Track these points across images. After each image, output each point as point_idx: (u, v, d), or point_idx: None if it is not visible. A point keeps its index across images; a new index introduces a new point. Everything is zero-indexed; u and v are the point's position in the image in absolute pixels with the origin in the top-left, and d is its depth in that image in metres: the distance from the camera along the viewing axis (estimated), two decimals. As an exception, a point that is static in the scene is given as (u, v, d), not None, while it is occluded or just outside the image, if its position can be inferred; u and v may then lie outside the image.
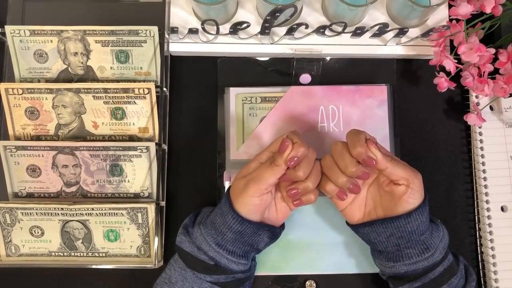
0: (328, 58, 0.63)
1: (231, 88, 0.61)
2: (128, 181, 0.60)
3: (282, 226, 0.55)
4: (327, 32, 0.59)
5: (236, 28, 0.57)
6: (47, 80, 0.61)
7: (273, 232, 0.52)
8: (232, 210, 0.49)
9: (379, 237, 0.51)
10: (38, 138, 0.61)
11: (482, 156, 0.61)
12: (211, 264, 0.50)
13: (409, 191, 0.48)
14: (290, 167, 0.49)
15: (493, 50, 0.56)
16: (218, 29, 0.57)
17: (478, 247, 0.61)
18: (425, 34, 0.58)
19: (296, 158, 0.48)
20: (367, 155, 0.47)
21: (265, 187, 0.49)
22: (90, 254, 0.59)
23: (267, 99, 0.61)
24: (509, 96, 0.59)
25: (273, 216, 0.53)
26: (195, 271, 0.50)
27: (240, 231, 0.50)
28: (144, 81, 0.61)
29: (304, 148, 0.48)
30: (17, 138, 0.61)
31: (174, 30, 0.60)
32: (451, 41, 0.61)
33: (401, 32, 0.58)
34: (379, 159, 0.48)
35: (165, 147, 0.60)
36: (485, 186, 0.60)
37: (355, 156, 0.48)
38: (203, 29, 0.58)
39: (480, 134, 0.61)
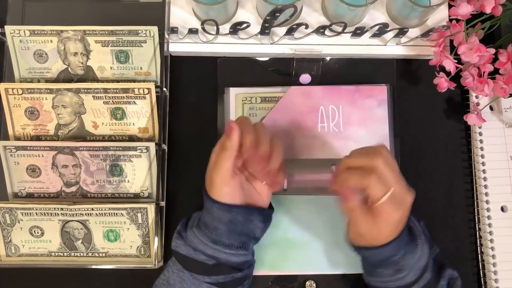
0: (328, 58, 0.63)
1: (231, 88, 0.61)
2: (128, 181, 0.60)
3: (271, 207, 0.55)
4: (327, 32, 0.59)
5: (236, 28, 0.57)
6: (47, 80, 0.61)
7: (264, 214, 0.52)
8: (214, 202, 0.49)
9: (364, 256, 0.52)
10: (38, 138, 0.61)
11: (482, 156, 0.61)
12: (209, 265, 0.50)
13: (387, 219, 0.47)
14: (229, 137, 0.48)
15: (493, 50, 0.56)
16: (218, 29, 0.57)
17: (478, 247, 0.61)
18: (425, 34, 0.58)
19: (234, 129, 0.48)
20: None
21: (226, 172, 0.48)
22: (90, 254, 0.59)
23: (267, 99, 0.61)
24: (509, 96, 0.59)
25: (257, 198, 0.53)
26: (193, 273, 0.50)
27: (231, 220, 0.49)
28: (144, 81, 0.61)
29: (237, 127, 0.48)
30: (17, 138, 0.61)
31: (174, 30, 0.60)
32: (451, 41, 0.61)
33: (401, 32, 0.58)
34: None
35: (165, 147, 0.60)
36: (485, 186, 0.60)
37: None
38: (203, 29, 0.58)
39: (480, 134, 0.61)
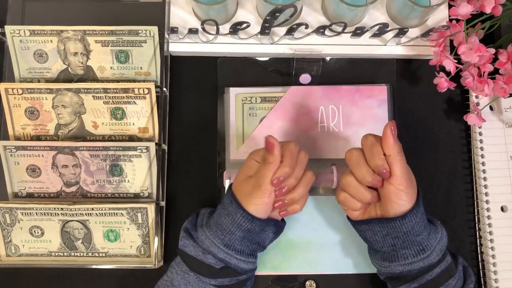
0: (328, 58, 0.63)
1: (231, 88, 0.61)
2: (128, 181, 0.60)
3: (283, 220, 0.55)
4: (327, 32, 0.59)
5: (236, 28, 0.57)
6: (47, 80, 0.61)
7: (278, 226, 0.53)
8: (241, 209, 0.49)
9: (375, 236, 0.51)
10: (38, 138, 0.61)
11: (482, 156, 0.61)
12: (216, 268, 0.50)
13: (396, 191, 0.48)
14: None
15: (493, 50, 0.56)
16: (218, 29, 0.57)
17: (478, 247, 0.61)
18: (425, 34, 0.58)
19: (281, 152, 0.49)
20: (384, 168, 0.48)
21: (267, 187, 0.49)
22: (90, 254, 0.59)
23: (267, 99, 0.61)
24: (509, 96, 0.59)
25: (274, 211, 0.53)
26: (199, 275, 0.50)
27: (249, 229, 0.50)
28: (144, 81, 0.61)
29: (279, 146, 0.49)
30: (17, 138, 0.61)
31: (174, 30, 0.60)
32: (451, 41, 0.61)
33: (401, 32, 0.58)
34: (397, 174, 0.48)
35: (165, 147, 0.60)
36: (485, 186, 0.60)
37: (373, 168, 0.48)
38: (203, 29, 0.58)
39: (480, 134, 0.61)
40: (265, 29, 0.57)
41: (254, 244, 0.52)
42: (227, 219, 0.50)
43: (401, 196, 0.48)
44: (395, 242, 0.50)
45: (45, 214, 0.58)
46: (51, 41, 0.60)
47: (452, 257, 0.53)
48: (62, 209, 0.57)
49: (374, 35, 0.60)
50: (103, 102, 0.59)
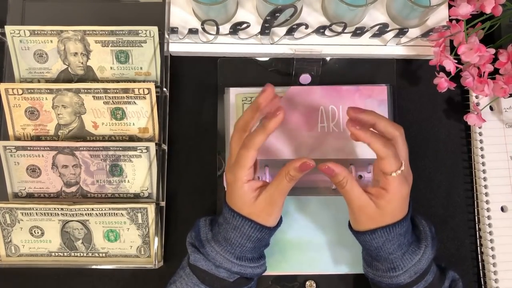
0: (328, 58, 0.63)
1: (231, 88, 0.61)
2: (128, 181, 0.60)
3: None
4: (327, 32, 0.59)
5: (236, 28, 0.57)
6: (47, 80, 0.61)
7: (279, 224, 0.54)
8: (247, 220, 0.49)
9: (359, 242, 0.53)
10: (38, 138, 0.61)
11: (482, 156, 0.61)
12: (229, 281, 0.50)
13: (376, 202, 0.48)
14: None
15: (493, 50, 0.56)
16: (218, 29, 0.57)
17: (478, 247, 0.61)
18: (425, 34, 0.58)
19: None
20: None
21: (282, 203, 0.51)
22: (90, 254, 0.59)
23: (267, 99, 0.61)
24: (509, 96, 0.59)
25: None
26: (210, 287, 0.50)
27: (260, 238, 0.50)
28: (144, 81, 0.61)
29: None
30: (17, 138, 0.61)
31: (174, 30, 0.60)
32: (451, 41, 0.61)
33: (401, 32, 0.58)
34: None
35: (165, 147, 0.60)
36: (485, 186, 0.60)
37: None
38: (203, 29, 0.58)
39: (480, 134, 0.61)
40: (265, 29, 0.57)
41: (262, 247, 0.53)
42: (234, 233, 0.50)
43: (394, 201, 0.48)
44: (370, 253, 0.52)
45: (45, 214, 0.58)
46: (51, 41, 0.60)
47: (441, 272, 0.52)
48: (62, 209, 0.57)
49: (374, 35, 0.60)
50: (103, 102, 0.59)
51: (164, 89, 0.60)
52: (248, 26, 0.57)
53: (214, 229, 0.52)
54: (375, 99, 0.61)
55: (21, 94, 0.59)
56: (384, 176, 0.47)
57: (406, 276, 0.49)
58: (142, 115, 0.60)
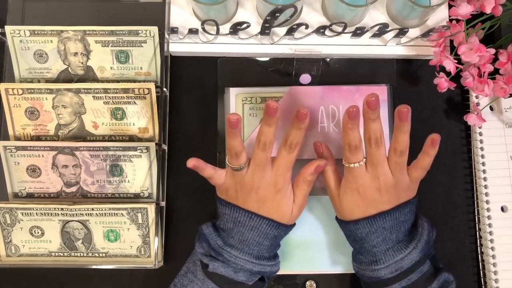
0: (328, 58, 0.63)
1: (231, 88, 0.61)
2: (128, 181, 0.60)
3: None
4: (327, 32, 0.59)
5: (236, 28, 0.57)
6: (47, 80, 0.61)
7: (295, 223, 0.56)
8: (264, 219, 0.51)
9: (344, 232, 0.55)
10: (38, 138, 0.61)
11: (482, 156, 0.61)
12: (248, 285, 0.51)
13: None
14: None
15: (493, 50, 0.56)
16: (218, 29, 0.57)
17: (478, 247, 0.61)
18: (425, 34, 0.58)
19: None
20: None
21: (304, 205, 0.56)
22: (90, 254, 0.59)
23: (267, 99, 0.61)
24: (509, 96, 0.59)
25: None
26: None
27: (276, 235, 0.52)
28: (144, 81, 0.61)
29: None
30: (17, 138, 0.61)
31: (174, 30, 0.60)
32: (451, 41, 0.61)
33: (401, 32, 0.58)
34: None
35: (165, 147, 0.60)
36: (485, 186, 0.60)
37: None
38: (203, 29, 0.58)
39: (480, 134, 0.61)
40: (265, 29, 0.57)
41: (277, 246, 0.55)
42: (251, 233, 0.51)
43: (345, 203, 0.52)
44: (354, 245, 0.54)
45: (45, 214, 0.58)
46: (51, 41, 0.60)
47: (433, 273, 0.51)
48: (62, 209, 0.57)
49: (374, 35, 0.60)
50: (103, 102, 0.59)
51: (164, 89, 0.60)
52: (248, 26, 0.57)
53: (220, 235, 0.53)
54: (375, 99, 0.61)
55: (21, 94, 0.59)
56: (346, 168, 0.52)
57: (387, 271, 0.50)
58: (142, 115, 0.60)
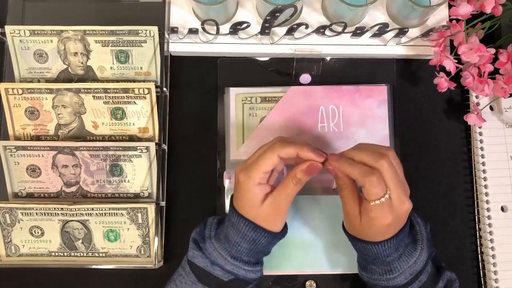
0: (328, 58, 0.63)
1: (231, 88, 0.61)
2: (128, 181, 0.60)
3: (286, 226, 0.55)
4: (327, 32, 0.59)
5: (236, 28, 0.57)
6: (47, 80, 0.61)
7: (283, 235, 0.53)
8: (241, 218, 0.49)
9: (353, 246, 0.53)
10: (38, 138, 0.61)
11: (482, 156, 0.61)
12: (224, 280, 0.50)
13: (369, 222, 0.47)
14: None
15: (493, 50, 0.56)
16: (218, 29, 0.57)
17: (478, 247, 0.61)
18: (425, 34, 0.58)
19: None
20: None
21: (288, 203, 0.50)
22: (90, 254, 0.59)
23: (267, 99, 0.61)
24: (509, 96, 0.59)
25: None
26: (206, 286, 0.50)
27: (254, 239, 0.49)
28: (144, 81, 0.61)
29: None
30: (17, 138, 0.61)
31: (174, 30, 0.60)
32: (451, 41, 0.61)
33: (401, 32, 0.58)
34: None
35: (165, 147, 0.60)
36: (485, 186, 0.60)
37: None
38: (203, 29, 0.58)
39: (480, 134, 0.61)
40: (265, 29, 0.57)
41: (260, 253, 0.52)
42: (232, 230, 0.50)
43: (374, 226, 0.47)
44: (366, 258, 0.51)
45: (45, 214, 0.58)
46: (51, 41, 0.60)
47: (436, 272, 0.51)
48: (62, 209, 0.57)
49: (374, 35, 0.60)
50: (103, 102, 0.59)
51: (164, 89, 0.60)
52: (248, 26, 0.57)
53: (219, 227, 0.53)
54: (375, 99, 0.61)
55: (21, 94, 0.59)
56: (366, 201, 0.46)
57: (402, 278, 0.49)
58: (142, 115, 0.60)
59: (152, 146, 0.58)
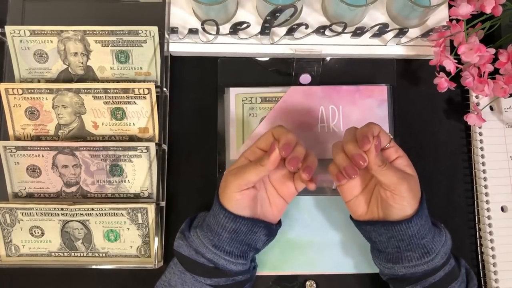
0: (328, 58, 0.63)
1: (231, 88, 0.62)
2: (128, 181, 0.60)
3: (279, 223, 0.55)
4: (327, 32, 0.59)
5: (236, 28, 0.57)
6: (47, 80, 0.61)
7: (270, 229, 0.52)
8: (223, 208, 0.49)
9: (380, 237, 0.51)
10: (38, 138, 0.61)
11: (482, 156, 0.61)
12: (210, 267, 0.50)
13: (394, 197, 0.48)
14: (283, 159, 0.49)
15: (493, 50, 0.56)
16: (218, 29, 0.57)
17: (478, 247, 0.61)
18: (425, 34, 0.58)
19: (291, 159, 0.48)
20: (356, 153, 0.47)
21: (244, 183, 0.48)
22: (90, 254, 0.59)
23: (267, 99, 0.61)
24: (509, 96, 0.59)
25: (268, 212, 0.53)
26: (194, 275, 0.50)
27: (235, 229, 0.49)
28: (144, 81, 0.61)
29: (291, 146, 0.48)
30: (17, 138, 0.61)
31: (174, 30, 0.60)
32: (451, 41, 0.61)
33: (401, 32, 0.58)
34: (369, 161, 0.47)
35: (165, 147, 0.60)
36: (485, 186, 0.60)
37: (346, 151, 0.48)
38: (203, 29, 0.58)
39: (480, 134, 0.61)
40: (265, 29, 0.57)
41: (244, 245, 0.51)
42: (213, 220, 0.50)
43: (398, 200, 0.48)
44: (400, 245, 0.50)
45: (45, 214, 0.58)
46: (51, 41, 0.60)
47: (455, 259, 0.53)
48: (62, 209, 0.57)
49: (374, 35, 0.60)
50: (103, 102, 0.59)
51: (164, 89, 0.60)
52: (248, 26, 0.57)
53: (206, 219, 0.53)
54: (375, 99, 0.61)
55: (21, 94, 0.59)
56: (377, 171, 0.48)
57: (439, 258, 0.50)
58: (142, 115, 0.60)
59: (152, 146, 0.58)
